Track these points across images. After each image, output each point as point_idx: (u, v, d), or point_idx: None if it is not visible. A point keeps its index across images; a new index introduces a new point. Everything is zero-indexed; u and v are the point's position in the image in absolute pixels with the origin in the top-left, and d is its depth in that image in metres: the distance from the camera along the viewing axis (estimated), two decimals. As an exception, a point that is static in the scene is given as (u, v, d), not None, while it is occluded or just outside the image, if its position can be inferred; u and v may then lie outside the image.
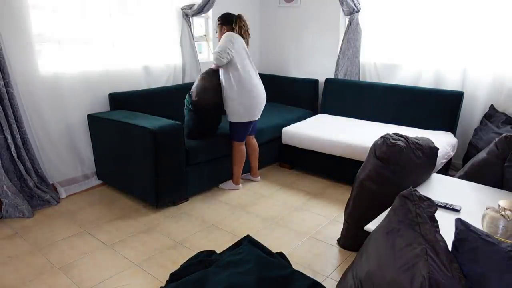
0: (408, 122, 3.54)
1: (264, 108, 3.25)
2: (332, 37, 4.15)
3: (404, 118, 3.58)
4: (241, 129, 3.16)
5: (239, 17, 3.08)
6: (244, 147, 3.25)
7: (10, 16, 2.70)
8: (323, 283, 2.07)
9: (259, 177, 3.51)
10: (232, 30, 3.05)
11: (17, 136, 2.80)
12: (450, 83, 3.49)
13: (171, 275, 2.05)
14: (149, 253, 2.38)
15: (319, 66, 4.30)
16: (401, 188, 1.67)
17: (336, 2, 3.80)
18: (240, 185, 3.35)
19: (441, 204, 1.96)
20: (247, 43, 3.15)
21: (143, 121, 2.84)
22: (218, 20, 3.13)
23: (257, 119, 3.23)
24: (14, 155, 2.82)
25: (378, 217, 1.87)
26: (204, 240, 2.52)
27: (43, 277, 2.15)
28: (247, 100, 3.04)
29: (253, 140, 3.39)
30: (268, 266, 2.02)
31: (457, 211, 1.93)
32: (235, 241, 2.35)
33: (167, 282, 2.05)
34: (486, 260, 1.24)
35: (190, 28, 3.82)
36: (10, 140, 2.78)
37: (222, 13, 3.15)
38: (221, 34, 3.09)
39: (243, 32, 3.10)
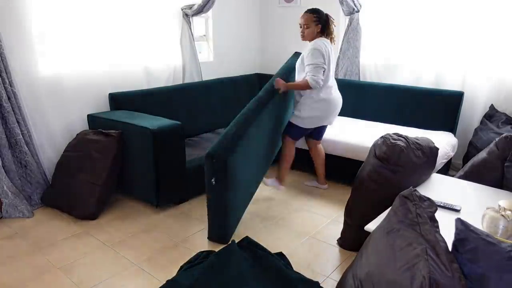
0: (408, 122, 3.54)
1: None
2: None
3: (404, 118, 3.58)
4: (302, 130, 2.98)
5: (329, 18, 2.81)
6: (294, 148, 3.06)
7: (10, 16, 2.70)
8: (323, 283, 2.07)
9: (326, 185, 3.29)
10: (322, 33, 2.79)
11: (20, 136, 2.80)
12: (450, 83, 3.49)
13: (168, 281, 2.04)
14: (149, 253, 2.38)
15: (319, 66, 4.30)
16: (401, 188, 1.67)
17: (336, 2, 3.80)
18: (283, 187, 3.16)
19: (441, 204, 1.96)
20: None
21: (143, 121, 2.84)
22: (313, 15, 2.75)
23: (327, 125, 3.06)
24: (15, 154, 2.83)
25: (378, 217, 1.87)
26: (204, 240, 2.52)
27: (43, 277, 2.15)
28: (324, 113, 2.90)
29: (319, 145, 3.18)
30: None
31: (457, 211, 1.93)
32: (236, 242, 2.35)
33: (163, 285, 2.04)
34: (486, 260, 1.24)
35: (190, 28, 3.82)
36: (12, 140, 2.79)
37: (312, 7, 2.81)
38: (311, 34, 2.77)
39: (331, 40, 2.84)
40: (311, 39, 2.78)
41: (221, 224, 2.46)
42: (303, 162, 3.60)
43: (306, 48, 2.81)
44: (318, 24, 2.75)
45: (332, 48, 2.83)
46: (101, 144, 2.84)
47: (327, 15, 2.79)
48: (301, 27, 2.79)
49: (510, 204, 1.65)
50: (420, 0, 3.51)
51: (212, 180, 2.32)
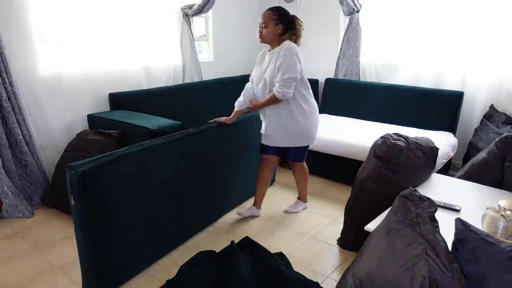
0: (408, 122, 3.54)
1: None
2: (332, 37, 4.15)
3: (404, 118, 3.58)
4: (305, 150, 2.70)
5: (297, 19, 2.47)
6: (305, 164, 2.83)
7: (10, 16, 2.70)
8: (323, 283, 2.07)
9: (308, 202, 3.00)
10: (285, 33, 2.41)
11: (20, 136, 2.80)
12: (450, 83, 3.49)
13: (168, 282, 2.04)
14: (149, 253, 2.37)
15: (319, 66, 4.30)
16: (401, 188, 1.67)
17: (336, 2, 3.80)
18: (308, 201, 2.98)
19: (441, 204, 1.96)
20: None
21: (143, 121, 2.84)
22: (273, 13, 2.40)
23: None
24: (15, 154, 2.83)
25: (378, 217, 1.87)
26: (204, 240, 2.52)
27: (43, 277, 2.15)
28: (312, 123, 2.59)
29: (303, 164, 2.83)
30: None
31: (457, 211, 1.93)
32: (236, 242, 2.35)
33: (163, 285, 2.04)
34: (486, 260, 1.24)
35: (190, 28, 3.82)
36: (12, 140, 2.79)
37: (274, 6, 2.49)
38: (271, 35, 2.40)
39: (299, 40, 2.48)
40: (270, 41, 2.43)
41: (88, 264, 1.90)
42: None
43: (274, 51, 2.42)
44: (279, 24, 2.39)
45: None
46: (101, 144, 2.84)
47: (294, 17, 2.45)
48: (259, 26, 2.43)
49: (510, 204, 1.65)
50: (420, 0, 3.51)
51: (71, 199, 1.83)
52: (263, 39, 2.44)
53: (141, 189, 2.05)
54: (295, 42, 2.43)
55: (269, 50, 2.48)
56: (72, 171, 1.77)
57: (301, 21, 2.49)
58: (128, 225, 2.02)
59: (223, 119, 2.57)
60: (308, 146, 2.68)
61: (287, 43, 2.36)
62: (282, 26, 2.40)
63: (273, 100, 2.40)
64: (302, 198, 2.96)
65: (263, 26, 2.40)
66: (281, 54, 2.33)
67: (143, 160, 2.05)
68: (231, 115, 2.60)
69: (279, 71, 2.33)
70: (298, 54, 2.36)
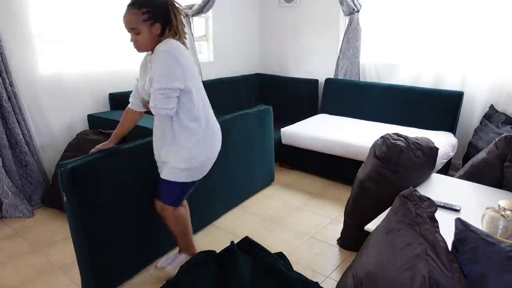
0: (408, 122, 3.54)
1: (264, 108, 3.17)
2: (332, 37, 4.15)
3: (404, 118, 3.58)
4: (186, 189, 2.01)
5: (172, 6, 1.79)
6: (182, 209, 2.07)
7: (10, 16, 2.70)
8: (323, 283, 2.07)
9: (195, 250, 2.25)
10: (164, 30, 1.77)
11: (20, 136, 2.80)
12: (450, 83, 3.49)
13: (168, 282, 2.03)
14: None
15: (319, 66, 4.30)
16: (401, 188, 1.67)
17: (336, 2, 3.80)
18: (196, 248, 2.24)
19: (441, 204, 1.96)
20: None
21: (143, 121, 2.83)
22: (141, 10, 1.71)
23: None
24: (15, 154, 2.83)
25: (378, 217, 1.87)
26: (204, 240, 2.52)
27: (43, 277, 2.15)
28: (210, 149, 1.97)
29: (167, 210, 2.03)
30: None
31: (457, 211, 1.93)
32: (236, 242, 2.35)
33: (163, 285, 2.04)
34: (486, 260, 1.24)
35: (190, 28, 3.82)
36: (12, 140, 2.79)
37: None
38: (150, 41, 1.77)
39: (182, 35, 1.84)
40: (152, 48, 1.78)
41: (86, 260, 1.89)
42: (303, 162, 3.61)
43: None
44: (155, 23, 1.74)
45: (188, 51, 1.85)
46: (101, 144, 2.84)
47: (167, 3, 1.76)
48: (129, 32, 1.76)
49: (510, 204, 1.65)
50: (420, 0, 3.51)
51: (63, 196, 1.79)
52: (141, 49, 1.81)
53: (137, 187, 2.04)
54: (179, 39, 1.81)
55: (151, 54, 1.84)
56: (62, 168, 1.76)
57: (178, 5, 1.82)
58: (124, 223, 2.01)
59: (100, 146, 1.99)
60: (189, 186, 1.97)
61: (163, 44, 1.73)
62: (160, 24, 1.76)
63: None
64: (183, 248, 2.18)
65: (134, 33, 1.74)
66: (153, 60, 1.75)
67: (135, 157, 2.04)
68: (110, 139, 2.02)
69: (151, 81, 1.76)
70: (179, 57, 1.73)
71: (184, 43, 1.83)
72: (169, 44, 1.74)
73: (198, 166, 1.92)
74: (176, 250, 2.28)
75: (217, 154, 2.01)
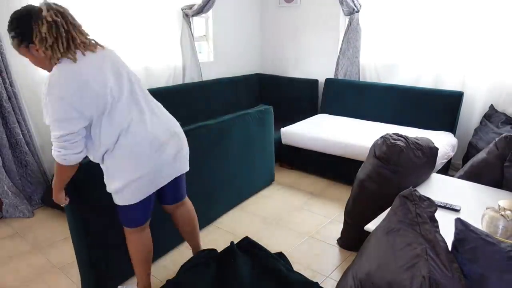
0: (408, 122, 3.54)
1: (264, 108, 3.20)
2: (332, 37, 4.15)
3: (404, 118, 3.58)
4: (139, 210, 1.75)
5: (38, 15, 1.45)
6: (142, 235, 1.83)
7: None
8: (322, 283, 2.07)
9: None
10: (48, 51, 1.44)
11: (20, 136, 2.80)
12: (450, 83, 3.49)
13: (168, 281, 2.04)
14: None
15: (319, 66, 4.31)
16: (401, 188, 1.67)
17: (336, 2, 3.81)
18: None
19: (441, 204, 1.96)
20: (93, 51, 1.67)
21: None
22: (13, 39, 1.49)
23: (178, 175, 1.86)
24: (16, 154, 2.83)
25: (378, 217, 1.87)
26: (204, 239, 2.52)
27: (43, 277, 2.15)
28: (151, 166, 1.65)
29: (184, 207, 2.03)
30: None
31: (457, 211, 1.93)
32: (236, 242, 2.35)
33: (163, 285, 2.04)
34: (486, 260, 1.24)
35: (190, 29, 3.82)
36: (12, 140, 2.79)
37: (8, 22, 1.54)
38: (45, 63, 1.51)
39: (75, 42, 1.56)
40: (49, 69, 1.51)
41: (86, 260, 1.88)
42: (303, 162, 3.61)
43: None
44: (31, 44, 1.46)
45: (108, 61, 1.69)
46: (101, 144, 2.84)
47: (31, 15, 1.47)
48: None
49: (510, 204, 1.65)
50: (420, 1, 3.51)
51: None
52: (43, 68, 1.56)
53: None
54: (70, 55, 1.48)
55: None
56: None
57: (57, 9, 1.48)
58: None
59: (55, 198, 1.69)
60: (137, 207, 1.70)
61: (49, 76, 1.45)
62: (38, 45, 1.44)
63: (62, 169, 1.55)
64: (137, 279, 1.93)
65: (29, 59, 1.53)
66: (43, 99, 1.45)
67: None
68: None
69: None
70: (64, 95, 1.42)
71: (74, 58, 1.49)
72: (50, 79, 1.43)
73: (130, 186, 1.63)
74: (177, 250, 2.29)
75: (158, 162, 1.68)
